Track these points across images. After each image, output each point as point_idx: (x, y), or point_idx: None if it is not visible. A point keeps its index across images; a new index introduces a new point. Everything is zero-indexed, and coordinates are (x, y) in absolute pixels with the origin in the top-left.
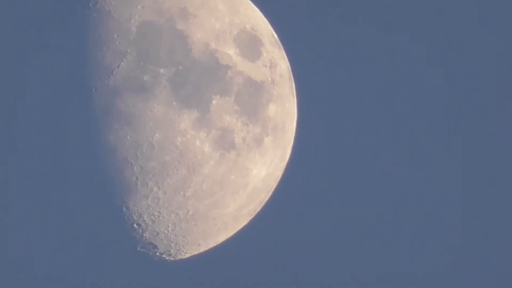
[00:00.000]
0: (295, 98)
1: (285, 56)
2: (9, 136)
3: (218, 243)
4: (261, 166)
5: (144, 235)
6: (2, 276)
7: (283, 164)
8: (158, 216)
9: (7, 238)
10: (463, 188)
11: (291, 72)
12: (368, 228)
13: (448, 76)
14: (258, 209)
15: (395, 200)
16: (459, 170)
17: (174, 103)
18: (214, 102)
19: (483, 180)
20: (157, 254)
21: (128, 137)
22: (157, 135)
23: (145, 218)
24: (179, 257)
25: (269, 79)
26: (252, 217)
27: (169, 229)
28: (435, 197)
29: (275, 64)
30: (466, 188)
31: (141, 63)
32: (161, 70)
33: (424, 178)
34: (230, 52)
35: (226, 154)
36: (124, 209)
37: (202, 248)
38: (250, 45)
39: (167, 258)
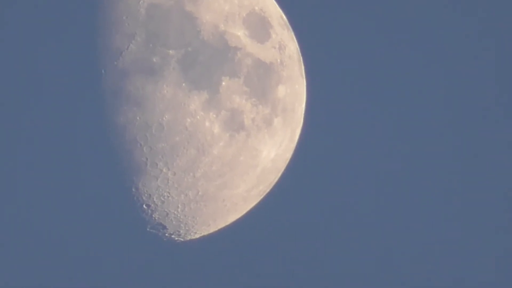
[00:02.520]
0: (304, 80)
1: (294, 38)
2: (19, 118)
3: (227, 223)
4: (271, 147)
5: (153, 215)
6: (15, 251)
7: (292, 145)
8: (168, 196)
9: (19, 218)
10: (471, 189)
11: (300, 54)
12: (376, 209)
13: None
14: (268, 190)
15: (403, 183)
16: (470, 171)
17: (184, 84)
18: (223, 83)
19: (489, 182)
20: (167, 234)
21: (138, 118)
22: (166, 116)
23: (154, 199)
24: (189, 237)
25: (278, 60)
26: (261, 197)
27: (179, 209)
28: (449, 195)
29: (284, 46)
30: (475, 190)
31: (150, 45)
32: (170, 52)
33: (440, 171)
34: (239, 34)
35: (236, 135)
36: (134, 190)
37: (212, 229)
38: (259, 27)
39: (176, 238)
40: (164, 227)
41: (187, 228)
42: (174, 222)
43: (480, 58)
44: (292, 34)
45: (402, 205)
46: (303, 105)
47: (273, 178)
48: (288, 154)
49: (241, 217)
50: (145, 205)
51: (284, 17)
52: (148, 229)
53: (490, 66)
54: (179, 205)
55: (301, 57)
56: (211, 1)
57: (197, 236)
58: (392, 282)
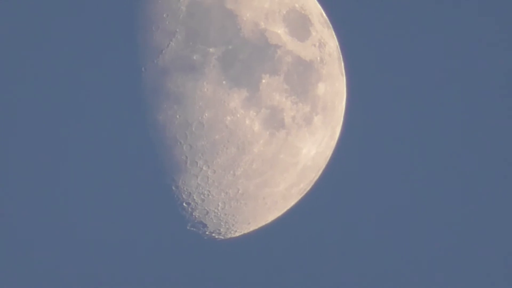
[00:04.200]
0: (344, 77)
1: (334, 36)
2: (58, 115)
3: (268, 222)
4: (311, 145)
5: (193, 214)
6: (54, 247)
7: (333, 143)
8: (208, 195)
9: (57, 215)
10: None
11: (340, 52)
12: (422, 210)
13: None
14: (308, 188)
15: (448, 182)
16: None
17: (224, 82)
18: (263, 81)
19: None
20: (207, 233)
21: (178, 116)
22: (206, 114)
23: (194, 197)
24: (229, 236)
25: (318, 58)
26: (302, 196)
27: (219, 208)
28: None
29: (324, 44)
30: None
31: (191, 43)
32: (211, 50)
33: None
34: (280, 32)
35: (276, 133)
36: (174, 188)
37: (252, 227)
38: (299, 25)
39: (217, 237)
40: (205, 226)
41: (227, 226)
42: (214, 221)
43: None
44: (332, 31)
45: (457, 208)
46: (343, 103)
47: (314, 176)
48: (328, 152)
49: (281, 216)
50: (185, 204)
51: (324, 14)
52: (188, 228)
53: None
54: (219, 203)
55: (341, 55)
56: None
57: (237, 234)
58: None
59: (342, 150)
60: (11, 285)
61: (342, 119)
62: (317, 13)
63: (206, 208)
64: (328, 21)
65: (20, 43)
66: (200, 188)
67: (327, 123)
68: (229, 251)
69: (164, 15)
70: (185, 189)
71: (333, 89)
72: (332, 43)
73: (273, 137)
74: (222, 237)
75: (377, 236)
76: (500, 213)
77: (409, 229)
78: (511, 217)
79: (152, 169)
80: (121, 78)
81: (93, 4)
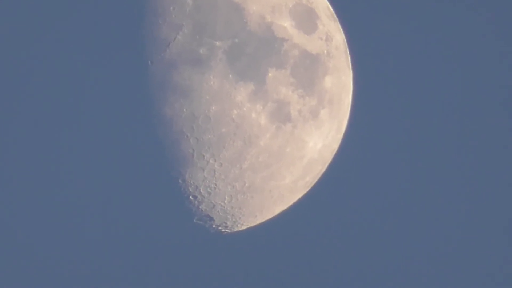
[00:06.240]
0: (351, 71)
1: (341, 29)
2: (68, 109)
3: (274, 215)
4: (317, 138)
5: (200, 207)
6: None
7: (339, 136)
8: (214, 188)
9: (60, 206)
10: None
11: (346, 45)
12: (428, 205)
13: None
14: (314, 181)
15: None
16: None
17: (230, 75)
18: (270, 74)
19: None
20: (214, 226)
21: (184, 110)
22: (213, 108)
23: (201, 190)
24: (236, 229)
25: (325, 51)
26: (308, 189)
27: (226, 201)
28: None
29: (330, 37)
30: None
31: (197, 36)
32: (217, 43)
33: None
34: (286, 25)
35: (282, 126)
36: (180, 181)
37: (259, 220)
38: (306, 18)
39: (223, 230)
40: (211, 219)
41: (234, 219)
42: (221, 214)
43: None
44: (339, 25)
45: (462, 205)
46: (350, 96)
47: (320, 169)
48: (334, 145)
49: (288, 209)
50: (192, 197)
51: (331, 8)
52: (195, 221)
53: None
54: (226, 197)
55: (347, 48)
56: None
57: (243, 227)
58: None
59: (348, 144)
60: (11, 285)
61: (348, 112)
62: (324, 7)
63: (212, 201)
64: (335, 14)
65: (27, 38)
66: (207, 181)
67: (333, 116)
68: (236, 244)
69: (171, 8)
70: (191, 182)
71: (340, 82)
72: (338, 36)
73: (280, 131)
74: (229, 231)
75: (383, 229)
76: (501, 213)
77: (413, 222)
78: (510, 217)
79: (159, 163)
80: (128, 71)
81: None
